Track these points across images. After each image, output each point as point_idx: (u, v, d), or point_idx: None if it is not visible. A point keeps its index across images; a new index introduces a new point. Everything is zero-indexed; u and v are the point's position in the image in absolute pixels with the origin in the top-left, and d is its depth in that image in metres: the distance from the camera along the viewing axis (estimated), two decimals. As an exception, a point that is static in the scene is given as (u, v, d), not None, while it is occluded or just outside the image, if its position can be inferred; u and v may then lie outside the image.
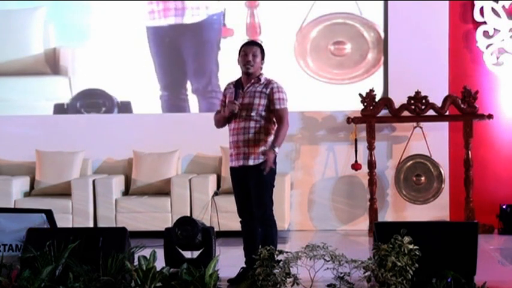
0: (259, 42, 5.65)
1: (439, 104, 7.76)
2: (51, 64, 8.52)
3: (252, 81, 5.46)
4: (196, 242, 5.55)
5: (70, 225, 7.55)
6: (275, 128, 5.46)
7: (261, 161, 5.36)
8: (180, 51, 8.41)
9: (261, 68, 5.52)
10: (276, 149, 5.34)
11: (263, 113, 5.41)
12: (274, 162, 5.40)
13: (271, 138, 5.43)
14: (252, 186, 5.40)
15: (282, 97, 5.44)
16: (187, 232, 5.51)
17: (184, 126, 8.29)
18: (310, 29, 8.28)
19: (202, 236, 5.57)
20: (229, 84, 5.59)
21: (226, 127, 5.55)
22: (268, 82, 5.46)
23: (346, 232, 8.05)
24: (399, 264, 4.81)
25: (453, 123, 8.00)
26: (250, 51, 5.43)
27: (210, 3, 8.32)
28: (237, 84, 5.47)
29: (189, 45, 8.39)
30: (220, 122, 5.55)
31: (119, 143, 8.27)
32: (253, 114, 5.39)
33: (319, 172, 8.23)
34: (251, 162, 5.38)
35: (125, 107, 8.45)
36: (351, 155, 7.89)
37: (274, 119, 5.46)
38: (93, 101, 8.47)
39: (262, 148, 5.37)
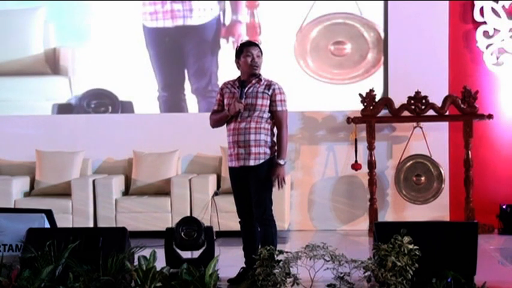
0: (258, 42, 5.63)
1: (439, 104, 7.76)
2: (51, 64, 8.53)
3: (253, 81, 5.45)
4: (200, 242, 5.56)
5: (70, 225, 7.55)
6: (275, 128, 5.46)
7: (261, 161, 5.36)
8: (180, 52, 8.41)
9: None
10: (282, 161, 5.36)
11: (265, 114, 5.40)
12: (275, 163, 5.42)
13: (271, 138, 5.43)
14: (252, 187, 5.39)
15: (284, 99, 5.44)
16: (193, 231, 5.52)
17: (184, 126, 8.29)
18: (310, 29, 8.28)
19: (204, 236, 5.59)
20: (225, 84, 5.57)
21: (223, 127, 5.55)
22: (269, 83, 5.46)
23: (346, 232, 8.05)
24: (399, 264, 4.81)
25: (453, 123, 8.01)
26: (255, 52, 5.43)
27: (210, 3, 8.32)
28: (244, 84, 5.43)
29: (190, 46, 8.39)
30: (221, 122, 5.52)
31: (119, 143, 8.27)
32: (255, 114, 5.38)
33: (319, 172, 8.23)
34: (252, 163, 5.37)
35: (127, 107, 8.46)
36: (351, 155, 7.89)
37: (274, 122, 5.46)
38: (100, 101, 8.47)
39: (262, 149, 5.37)
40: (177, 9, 8.36)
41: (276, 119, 5.43)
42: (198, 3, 8.32)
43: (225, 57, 8.22)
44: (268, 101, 5.40)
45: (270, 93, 5.41)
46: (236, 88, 5.45)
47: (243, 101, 5.37)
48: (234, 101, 5.39)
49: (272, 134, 5.46)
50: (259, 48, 5.49)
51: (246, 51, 5.43)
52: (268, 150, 5.40)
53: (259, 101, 5.39)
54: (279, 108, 5.42)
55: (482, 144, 8.03)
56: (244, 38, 8.15)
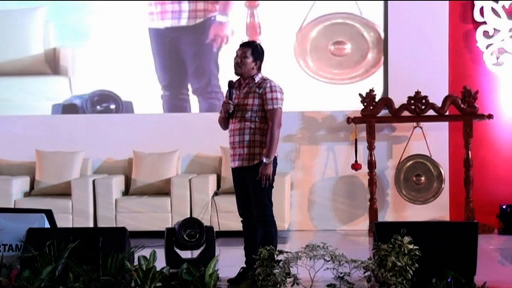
0: (256, 42, 5.58)
1: (439, 104, 7.76)
2: (51, 64, 8.53)
3: (247, 81, 5.44)
4: (201, 243, 5.56)
5: (70, 225, 7.55)
6: None
7: (256, 162, 5.34)
8: (179, 52, 8.41)
9: (257, 69, 5.44)
10: (265, 160, 5.27)
11: (258, 114, 5.37)
12: (275, 163, 5.39)
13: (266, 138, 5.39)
14: (250, 187, 5.39)
15: (275, 97, 5.36)
16: (195, 233, 5.52)
17: (184, 126, 8.29)
18: (310, 29, 8.28)
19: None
20: (230, 85, 5.61)
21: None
22: (263, 81, 5.41)
23: (346, 232, 8.05)
24: (399, 264, 4.81)
25: (453, 123, 8.01)
26: (239, 52, 5.43)
27: (208, 4, 8.31)
28: (231, 84, 5.45)
29: (188, 47, 8.39)
30: (222, 123, 5.55)
31: (119, 143, 8.27)
32: (247, 115, 5.36)
33: (319, 172, 8.23)
34: (245, 164, 5.37)
35: (127, 107, 8.46)
36: (351, 155, 7.89)
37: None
38: (105, 103, 8.47)
39: (257, 149, 5.34)
40: (176, 10, 8.35)
41: (268, 117, 5.37)
42: (198, 4, 8.31)
43: (225, 59, 8.21)
44: (260, 100, 5.36)
45: (260, 92, 5.38)
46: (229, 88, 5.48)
47: (232, 101, 5.38)
48: (222, 102, 5.44)
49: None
50: (252, 48, 5.42)
51: (235, 52, 5.45)
52: (263, 151, 5.37)
53: (250, 101, 5.37)
54: (269, 107, 5.36)
55: (482, 144, 8.02)
56: (245, 39, 8.13)
